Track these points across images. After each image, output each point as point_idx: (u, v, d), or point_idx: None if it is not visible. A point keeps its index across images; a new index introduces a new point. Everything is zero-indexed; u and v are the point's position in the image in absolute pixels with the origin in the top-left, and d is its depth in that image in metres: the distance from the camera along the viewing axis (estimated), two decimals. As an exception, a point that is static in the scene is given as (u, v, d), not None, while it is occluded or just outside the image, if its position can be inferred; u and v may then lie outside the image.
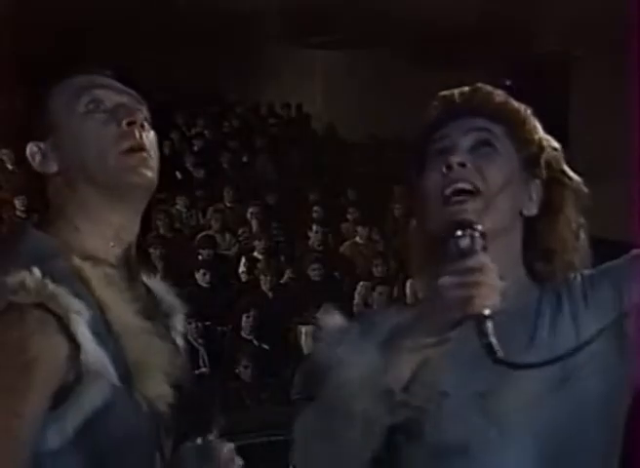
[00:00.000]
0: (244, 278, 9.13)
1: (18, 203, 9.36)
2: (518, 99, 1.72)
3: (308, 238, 10.18)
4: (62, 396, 1.49)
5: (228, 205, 10.91)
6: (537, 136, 1.66)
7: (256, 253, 9.47)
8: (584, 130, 11.41)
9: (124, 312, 1.59)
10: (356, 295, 8.96)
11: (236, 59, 15.03)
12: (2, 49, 10.36)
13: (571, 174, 1.66)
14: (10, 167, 9.80)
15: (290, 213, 11.05)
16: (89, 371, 1.50)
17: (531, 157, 1.64)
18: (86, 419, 1.50)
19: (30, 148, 1.64)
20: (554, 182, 1.64)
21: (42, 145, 1.64)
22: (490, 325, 1.39)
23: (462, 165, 1.57)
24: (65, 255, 1.57)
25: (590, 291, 1.59)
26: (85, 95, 1.63)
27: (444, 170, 1.57)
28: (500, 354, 1.38)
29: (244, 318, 8.22)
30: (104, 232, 1.64)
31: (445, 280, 1.40)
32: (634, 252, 1.57)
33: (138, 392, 1.57)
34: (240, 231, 10.31)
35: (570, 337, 1.53)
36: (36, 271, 1.50)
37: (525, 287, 1.60)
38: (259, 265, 9.08)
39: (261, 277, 8.85)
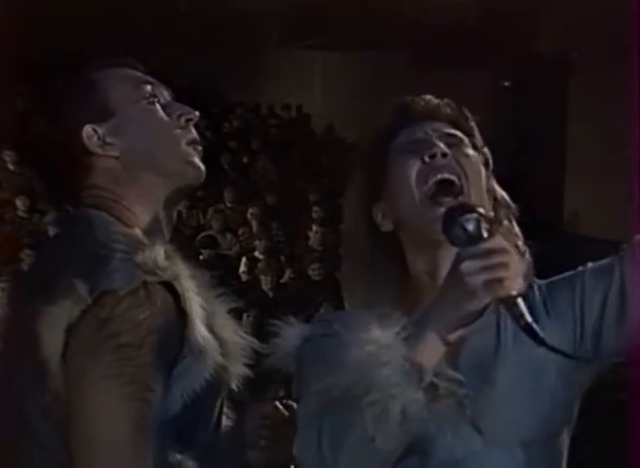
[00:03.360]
0: (244, 278, 9.14)
1: (19, 203, 9.37)
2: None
3: (308, 238, 10.18)
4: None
5: (229, 205, 10.92)
6: (484, 147, 1.68)
7: (256, 253, 9.47)
8: (584, 130, 11.41)
9: (207, 295, 1.66)
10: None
11: (236, 60, 15.03)
12: (3, 49, 10.36)
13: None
14: (11, 167, 9.82)
15: (290, 213, 11.05)
16: (200, 350, 1.56)
17: (485, 164, 1.66)
18: (191, 396, 1.56)
19: (87, 130, 1.66)
20: None
21: (98, 129, 1.67)
22: (523, 305, 1.35)
23: (445, 155, 1.57)
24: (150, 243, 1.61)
25: (549, 300, 1.59)
26: (143, 87, 1.71)
27: (427, 159, 1.57)
28: (542, 334, 1.35)
29: (244, 317, 8.21)
30: (159, 222, 1.70)
31: (468, 265, 1.35)
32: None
33: (224, 369, 1.62)
34: (240, 231, 10.32)
35: (536, 347, 1.48)
36: (162, 251, 1.56)
37: None
38: (259, 265, 9.08)
39: (262, 277, 8.85)
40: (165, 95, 1.74)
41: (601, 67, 10.65)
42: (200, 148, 1.73)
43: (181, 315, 1.55)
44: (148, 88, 1.71)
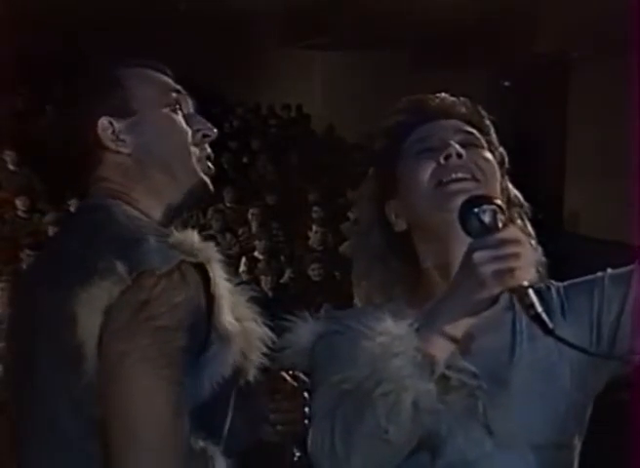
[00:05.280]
0: (244, 278, 9.14)
1: (19, 203, 9.37)
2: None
3: (308, 238, 10.18)
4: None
5: (229, 205, 10.92)
6: (500, 147, 1.67)
7: (256, 253, 9.47)
8: (584, 130, 11.41)
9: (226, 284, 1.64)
10: (356, 295, 8.94)
11: (236, 60, 15.03)
12: (3, 49, 10.36)
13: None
14: (11, 167, 9.82)
15: (290, 213, 11.05)
16: (227, 336, 1.55)
17: (501, 163, 1.65)
18: (219, 382, 1.56)
19: (102, 122, 1.67)
20: None
21: (115, 123, 1.67)
22: (534, 295, 1.34)
23: (460, 156, 1.56)
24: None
25: (566, 302, 1.58)
26: (169, 94, 1.71)
27: (442, 160, 1.56)
28: (551, 325, 1.34)
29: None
30: (169, 220, 1.70)
31: (480, 254, 1.34)
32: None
33: (244, 357, 1.62)
34: (240, 231, 10.32)
35: (550, 349, 1.51)
36: (196, 234, 1.57)
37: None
38: (259, 265, 9.08)
39: (262, 277, 8.85)
40: (189, 106, 1.74)
41: (601, 67, 10.64)
42: (212, 167, 1.73)
43: (210, 299, 1.55)
44: (174, 95, 1.72)
